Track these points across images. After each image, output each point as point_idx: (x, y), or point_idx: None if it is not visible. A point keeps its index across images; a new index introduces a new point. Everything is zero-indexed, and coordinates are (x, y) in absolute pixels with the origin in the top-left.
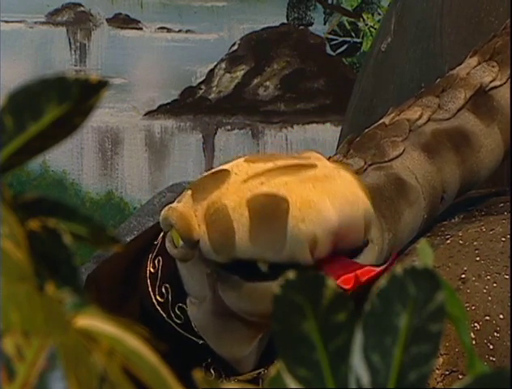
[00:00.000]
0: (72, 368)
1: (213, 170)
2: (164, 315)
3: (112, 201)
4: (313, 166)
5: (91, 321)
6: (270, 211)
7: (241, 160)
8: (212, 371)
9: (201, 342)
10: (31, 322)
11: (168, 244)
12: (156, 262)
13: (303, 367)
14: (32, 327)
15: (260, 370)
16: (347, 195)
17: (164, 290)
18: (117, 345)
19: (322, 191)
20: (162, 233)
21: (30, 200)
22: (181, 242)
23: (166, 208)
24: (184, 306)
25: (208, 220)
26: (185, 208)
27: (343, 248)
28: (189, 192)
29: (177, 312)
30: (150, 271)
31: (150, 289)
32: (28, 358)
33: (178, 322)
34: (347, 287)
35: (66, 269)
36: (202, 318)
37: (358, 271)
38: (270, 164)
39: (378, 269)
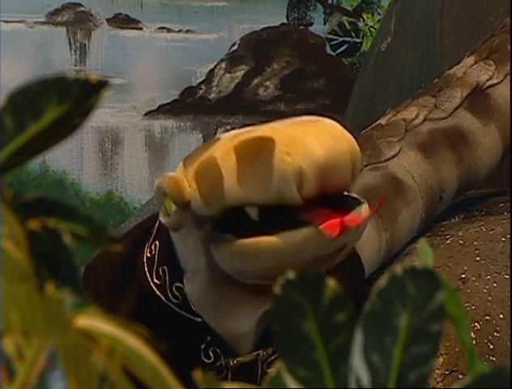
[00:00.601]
0: (72, 368)
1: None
2: (162, 297)
3: (112, 201)
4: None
5: (91, 321)
6: (256, 151)
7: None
8: (211, 354)
9: (199, 320)
10: (31, 322)
11: (161, 215)
12: (153, 247)
13: (303, 367)
14: (32, 327)
15: (259, 352)
16: (333, 132)
17: (161, 272)
18: (117, 345)
19: (308, 129)
20: (158, 222)
21: (30, 200)
22: (173, 208)
23: (159, 178)
24: (181, 285)
25: (198, 175)
26: (177, 174)
27: (331, 189)
28: (181, 163)
29: (175, 292)
30: (147, 256)
31: (147, 273)
32: (28, 358)
33: (176, 301)
34: (333, 233)
35: (66, 269)
36: (200, 291)
37: (345, 218)
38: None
39: (365, 215)
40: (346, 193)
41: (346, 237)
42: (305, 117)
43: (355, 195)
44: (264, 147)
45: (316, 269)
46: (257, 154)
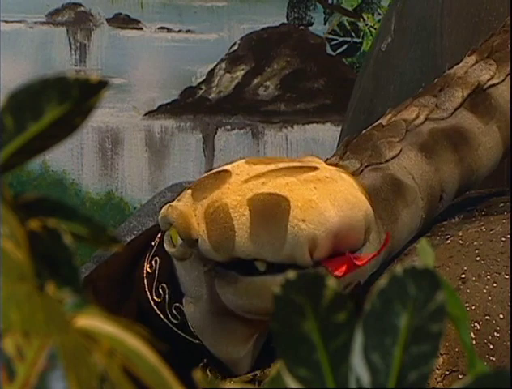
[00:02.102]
0: (72, 368)
1: (214, 170)
2: (161, 315)
3: (112, 201)
4: (314, 168)
5: (91, 321)
6: (270, 211)
7: (242, 161)
8: (208, 372)
9: (197, 342)
10: (31, 322)
11: (166, 243)
12: (153, 262)
13: (303, 367)
14: (32, 327)
15: (256, 372)
16: (348, 197)
17: (160, 290)
18: (117, 345)
19: (324, 192)
20: (159, 234)
21: (30, 200)
22: (179, 241)
23: (165, 207)
24: (181, 306)
25: (208, 218)
26: (185, 207)
27: (343, 250)
28: (189, 191)
29: (174, 312)
30: (147, 271)
31: (147, 289)
32: (28, 358)
33: (175, 322)
34: (339, 272)
35: (66, 269)
36: (199, 318)
37: (352, 256)
38: (271, 166)
39: (371, 254)
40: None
41: (352, 275)
42: (320, 173)
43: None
44: (279, 207)
45: None
46: (271, 213)
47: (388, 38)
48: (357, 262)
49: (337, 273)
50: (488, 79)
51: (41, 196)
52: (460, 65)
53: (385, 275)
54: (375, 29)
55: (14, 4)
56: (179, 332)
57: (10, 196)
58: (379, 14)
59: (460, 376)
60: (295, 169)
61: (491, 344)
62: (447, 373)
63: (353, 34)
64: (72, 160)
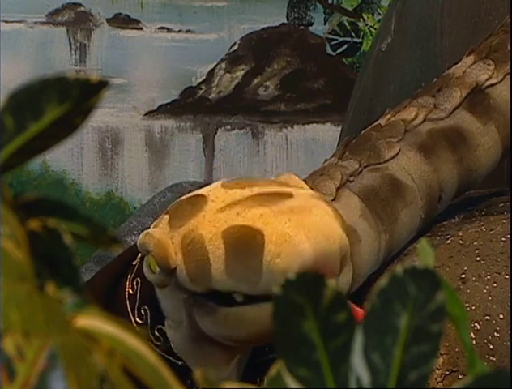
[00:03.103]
0: (72, 368)
1: (190, 194)
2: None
3: (112, 201)
4: (289, 196)
5: (91, 321)
6: (245, 245)
7: (218, 184)
8: None
9: (180, 363)
10: (31, 322)
11: (145, 269)
12: (135, 283)
13: (303, 367)
14: (32, 326)
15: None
16: (323, 228)
17: (143, 312)
18: (117, 345)
19: (298, 224)
20: (140, 254)
21: (30, 200)
22: (157, 269)
23: (143, 234)
24: (163, 328)
25: (185, 249)
26: (162, 235)
27: None
28: (167, 217)
29: (157, 334)
30: (129, 292)
31: (129, 311)
32: (28, 358)
33: (158, 343)
34: None
35: (66, 269)
36: (180, 342)
37: None
38: (246, 192)
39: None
40: None
41: None
42: (295, 203)
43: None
44: (254, 240)
45: None
46: (246, 247)
47: (388, 38)
48: None
49: None
50: (487, 79)
51: (41, 196)
52: (458, 65)
53: (385, 275)
54: (375, 29)
55: (14, 4)
56: (162, 354)
57: (10, 196)
58: (379, 14)
59: (460, 376)
60: (269, 197)
61: (491, 344)
62: (447, 373)
63: (353, 34)
64: (72, 160)
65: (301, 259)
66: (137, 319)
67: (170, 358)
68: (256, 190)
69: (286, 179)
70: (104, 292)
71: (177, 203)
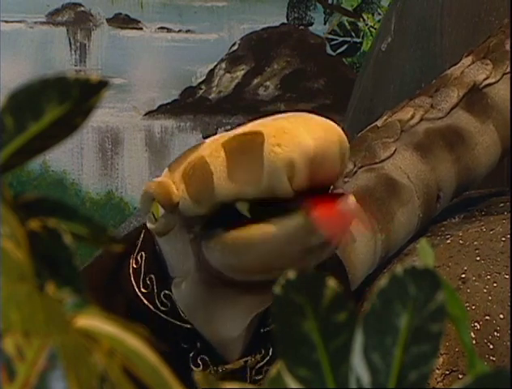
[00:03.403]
0: (72, 368)
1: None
2: (151, 306)
3: (112, 201)
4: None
5: (91, 321)
6: (245, 146)
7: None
8: (200, 362)
9: (188, 326)
10: (31, 322)
11: (148, 222)
12: (139, 257)
13: (303, 367)
14: (32, 326)
15: (247, 358)
16: (322, 124)
17: (148, 281)
18: (117, 345)
19: (297, 121)
20: (142, 234)
21: (30, 200)
22: (161, 212)
23: (145, 185)
24: (169, 293)
25: (186, 176)
26: (163, 178)
27: (321, 180)
28: (166, 168)
29: (163, 299)
30: (133, 267)
31: (134, 284)
32: (28, 358)
33: (164, 309)
34: (324, 216)
35: (67, 269)
36: (189, 295)
37: (335, 202)
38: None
39: (354, 205)
40: (333, 189)
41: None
42: (293, 113)
43: (341, 191)
44: (253, 140)
45: (310, 261)
46: (246, 148)
47: (388, 38)
48: (340, 207)
49: (320, 217)
50: (485, 79)
51: (41, 196)
52: (457, 66)
53: (385, 275)
54: (375, 29)
55: (14, 4)
56: (169, 319)
57: (10, 196)
58: (379, 14)
59: (460, 376)
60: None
61: (491, 343)
62: (447, 373)
63: (353, 34)
64: (72, 160)
65: (301, 148)
66: (142, 289)
67: (177, 322)
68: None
69: None
70: (106, 274)
71: (176, 157)
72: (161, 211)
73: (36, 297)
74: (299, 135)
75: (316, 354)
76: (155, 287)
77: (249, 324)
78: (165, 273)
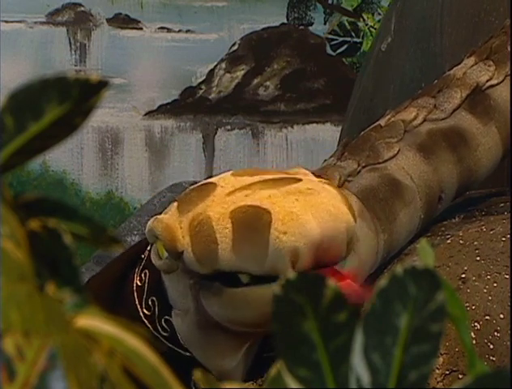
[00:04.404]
0: (72, 368)
1: (200, 183)
2: (151, 328)
3: (112, 201)
4: (298, 180)
5: (91, 321)
6: (252, 223)
7: (228, 173)
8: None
9: (187, 354)
10: (31, 322)
11: (153, 255)
12: (143, 275)
13: (303, 367)
14: (32, 326)
15: (248, 383)
16: (330, 209)
17: (150, 303)
18: (117, 345)
19: (305, 204)
20: (148, 247)
21: (30, 200)
22: (165, 254)
23: (152, 219)
24: (170, 319)
25: (192, 231)
26: (171, 220)
27: (325, 262)
28: (175, 204)
29: (164, 325)
30: (137, 283)
31: (137, 302)
32: (29, 358)
33: (165, 334)
34: None
35: (66, 269)
36: (187, 330)
37: (340, 283)
38: (256, 178)
39: (357, 287)
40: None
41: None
42: (303, 185)
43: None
44: (261, 219)
45: None
46: (253, 225)
47: (388, 38)
48: (342, 276)
49: None
50: (487, 80)
51: (41, 196)
52: (459, 66)
53: (385, 275)
54: (375, 29)
55: (14, 4)
56: (169, 345)
57: (10, 196)
58: (379, 14)
59: (460, 376)
60: (279, 181)
61: (491, 343)
62: (447, 372)
63: (353, 34)
64: (72, 160)
65: (308, 237)
66: (144, 311)
67: (177, 349)
68: (266, 176)
69: (295, 172)
70: (112, 285)
71: (187, 191)
72: (165, 252)
73: (36, 297)
74: (306, 223)
75: (316, 354)
76: (156, 310)
77: (247, 352)
78: (167, 298)
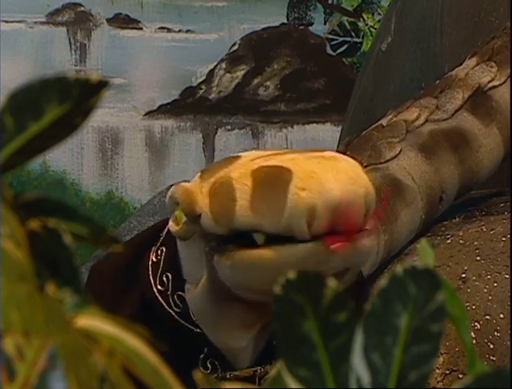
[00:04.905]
0: (72, 368)
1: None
2: (164, 304)
3: (112, 201)
4: (322, 151)
5: (92, 321)
6: (272, 180)
7: (252, 151)
8: (209, 365)
9: (198, 331)
10: (31, 322)
11: (171, 223)
12: (159, 251)
13: (303, 367)
14: (32, 326)
15: (256, 368)
16: (351, 174)
17: (164, 279)
18: (117, 345)
19: (327, 166)
20: (167, 227)
21: (30, 200)
22: (183, 219)
23: (173, 186)
24: (183, 295)
25: (212, 192)
26: (192, 185)
27: (341, 228)
28: (199, 174)
29: (176, 300)
30: (152, 260)
31: (151, 278)
32: (29, 358)
33: (177, 310)
34: (335, 247)
35: (66, 269)
36: (199, 303)
37: (347, 232)
38: (281, 150)
39: (372, 229)
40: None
41: (348, 256)
42: (327, 153)
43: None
44: (281, 177)
45: None
46: (273, 183)
47: (388, 38)
48: (352, 238)
49: (333, 247)
50: (489, 81)
51: (41, 196)
52: (461, 67)
53: (385, 275)
54: (375, 29)
55: (14, 4)
56: (180, 321)
57: (10, 196)
58: (379, 14)
59: (460, 375)
60: (303, 151)
61: (491, 343)
62: (447, 372)
63: (353, 34)
64: (72, 160)
65: (326, 196)
66: (158, 287)
67: (188, 325)
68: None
69: (321, 150)
70: (128, 261)
71: (211, 164)
72: (184, 217)
73: (36, 297)
74: (326, 183)
75: (316, 354)
76: (170, 286)
77: (258, 335)
78: (181, 274)
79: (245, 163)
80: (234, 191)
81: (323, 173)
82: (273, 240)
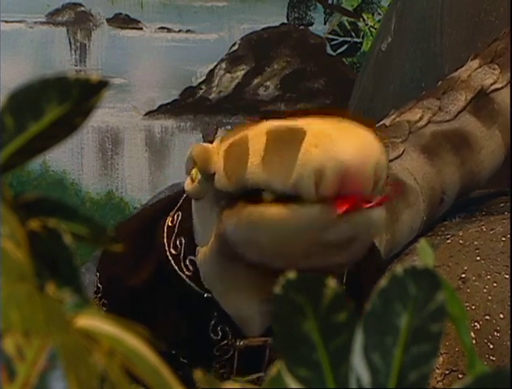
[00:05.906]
0: (72, 368)
1: None
2: (176, 267)
3: (112, 201)
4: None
5: (91, 321)
6: (286, 139)
7: None
8: (219, 331)
9: (206, 295)
10: (31, 322)
11: (186, 181)
12: (176, 216)
13: (303, 367)
14: (32, 326)
15: (267, 338)
16: (364, 141)
17: (178, 243)
18: (117, 345)
19: (341, 130)
20: (184, 195)
21: (30, 200)
22: (198, 177)
23: (193, 145)
24: (194, 259)
25: (227, 151)
26: (210, 146)
27: (348, 193)
28: (219, 138)
29: (188, 264)
30: (168, 224)
31: (165, 242)
32: (29, 358)
33: (188, 273)
34: (341, 210)
35: (66, 269)
36: (209, 265)
37: (355, 197)
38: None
39: (379, 199)
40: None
41: (354, 223)
42: (344, 121)
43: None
44: (295, 136)
45: (328, 260)
46: (286, 141)
47: (388, 38)
48: (359, 204)
49: (339, 211)
50: (492, 84)
51: (41, 196)
52: (464, 68)
53: (385, 275)
54: (375, 29)
55: (14, 4)
56: (191, 284)
57: (10, 196)
58: (379, 14)
59: (460, 375)
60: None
61: (491, 343)
62: (447, 372)
63: (353, 34)
64: (72, 160)
65: (337, 156)
66: (171, 250)
67: (198, 289)
68: None
69: None
70: (147, 224)
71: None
72: (199, 175)
73: (36, 297)
74: (339, 144)
75: (316, 354)
76: (182, 250)
77: (267, 304)
78: (194, 239)
79: (264, 125)
80: (248, 149)
81: (338, 134)
82: (281, 200)
